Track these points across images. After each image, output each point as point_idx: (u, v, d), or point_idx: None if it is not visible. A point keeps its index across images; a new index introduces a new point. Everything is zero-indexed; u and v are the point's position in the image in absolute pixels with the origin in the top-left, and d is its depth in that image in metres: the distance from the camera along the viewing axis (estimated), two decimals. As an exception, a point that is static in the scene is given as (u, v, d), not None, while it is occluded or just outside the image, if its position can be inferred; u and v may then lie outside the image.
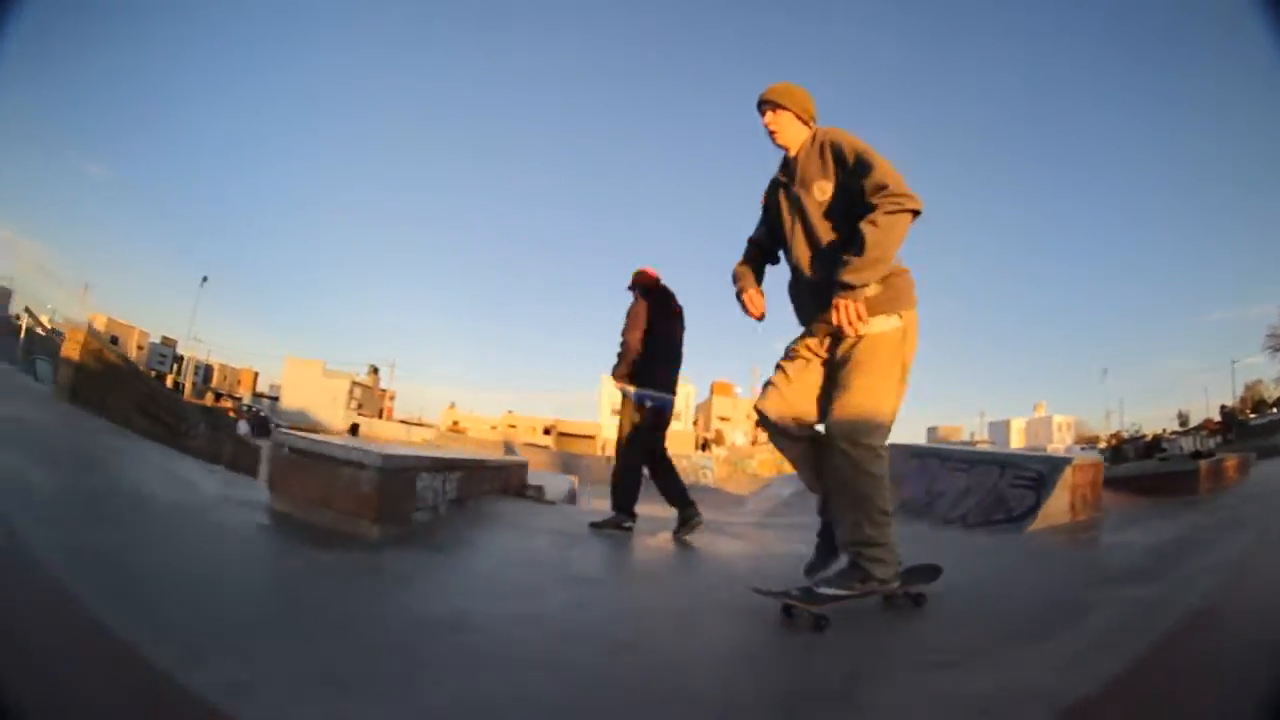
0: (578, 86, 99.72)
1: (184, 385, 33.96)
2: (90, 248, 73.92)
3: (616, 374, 3.96)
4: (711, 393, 56.41)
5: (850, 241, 1.91)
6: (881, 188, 1.87)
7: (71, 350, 5.01)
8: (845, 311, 1.90)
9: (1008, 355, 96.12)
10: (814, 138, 2.11)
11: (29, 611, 1.37)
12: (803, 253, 2.14)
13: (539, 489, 5.57)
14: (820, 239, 2.08)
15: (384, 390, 52.17)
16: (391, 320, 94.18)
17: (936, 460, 5.44)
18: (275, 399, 47.72)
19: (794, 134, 2.14)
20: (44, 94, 72.16)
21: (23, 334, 16.63)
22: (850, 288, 1.89)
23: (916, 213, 1.89)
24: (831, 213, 2.04)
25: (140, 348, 43.64)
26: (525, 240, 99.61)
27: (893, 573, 2.00)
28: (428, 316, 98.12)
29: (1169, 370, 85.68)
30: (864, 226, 1.87)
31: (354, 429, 14.12)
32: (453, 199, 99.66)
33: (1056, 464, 4.20)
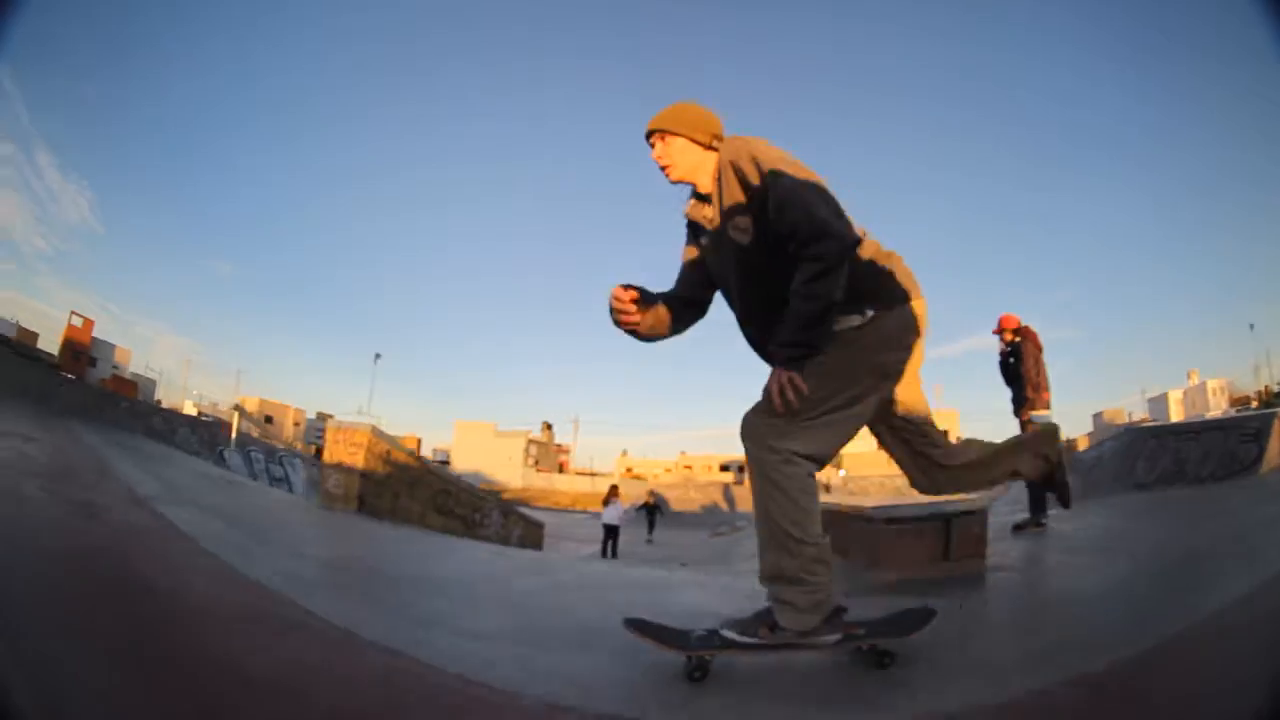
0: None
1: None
2: (235, 338, 79.99)
3: (1036, 408, 4.77)
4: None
5: (789, 283, 1.65)
6: (794, 235, 1.60)
7: (349, 454, 4.58)
8: (777, 386, 1.63)
9: (1150, 327, 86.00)
10: (720, 162, 1.77)
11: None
12: (742, 305, 1.87)
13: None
14: (757, 287, 1.79)
15: (559, 445, 54.24)
16: (556, 376, 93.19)
17: (1171, 435, 6.58)
18: (445, 463, 48.70)
19: (692, 163, 1.82)
20: (186, 203, 78.16)
21: (235, 432, 16.98)
22: (785, 359, 1.65)
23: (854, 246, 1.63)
24: (759, 252, 1.71)
25: (297, 424, 47.25)
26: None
27: (812, 622, 1.63)
28: (587, 369, 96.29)
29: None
30: (792, 299, 1.63)
31: (614, 490, 15.81)
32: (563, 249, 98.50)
33: (1266, 419, 5.10)
